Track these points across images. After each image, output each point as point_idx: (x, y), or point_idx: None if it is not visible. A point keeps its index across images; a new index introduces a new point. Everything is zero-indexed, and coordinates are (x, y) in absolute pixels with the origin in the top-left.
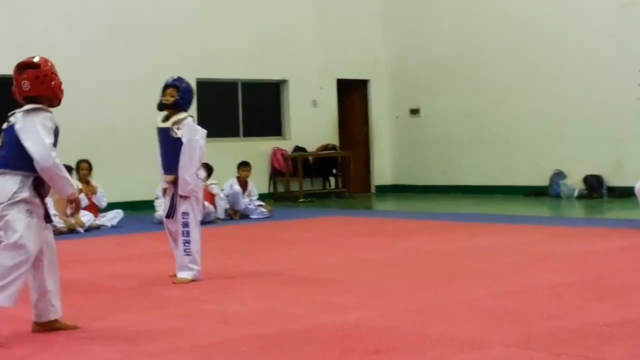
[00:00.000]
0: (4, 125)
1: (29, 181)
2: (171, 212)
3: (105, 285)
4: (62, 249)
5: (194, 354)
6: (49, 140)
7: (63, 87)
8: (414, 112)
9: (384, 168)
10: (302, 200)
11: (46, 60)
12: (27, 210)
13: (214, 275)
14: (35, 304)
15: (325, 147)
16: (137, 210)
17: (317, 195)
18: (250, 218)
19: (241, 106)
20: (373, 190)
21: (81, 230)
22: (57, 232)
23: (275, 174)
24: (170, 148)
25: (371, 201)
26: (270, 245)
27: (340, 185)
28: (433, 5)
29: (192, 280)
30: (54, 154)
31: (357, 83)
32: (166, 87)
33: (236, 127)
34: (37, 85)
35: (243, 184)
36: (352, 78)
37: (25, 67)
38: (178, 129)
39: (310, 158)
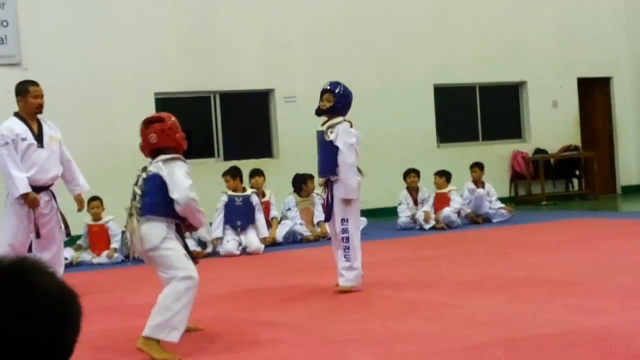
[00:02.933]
0: (143, 175)
1: (173, 226)
2: (329, 215)
3: (355, 291)
4: (310, 256)
5: (449, 357)
6: (189, 182)
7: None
8: None
9: (630, 167)
10: (544, 203)
11: (170, 115)
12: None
13: (462, 279)
14: None
15: (566, 148)
16: (380, 217)
17: (559, 198)
18: (492, 222)
19: (479, 110)
20: (619, 190)
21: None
22: (305, 240)
23: (516, 177)
24: (322, 151)
25: (617, 202)
26: (516, 248)
27: (583, 187)
28: None
29: (353, 287)
30: (193, 193)
31: (599, 81)
32: (323, 92)
33: (475, 131)
34: (164, 137)
35: (479, 184)
36: (594, 76)
37: (151, 122)
38: (331, 132)
39: (552, 160)
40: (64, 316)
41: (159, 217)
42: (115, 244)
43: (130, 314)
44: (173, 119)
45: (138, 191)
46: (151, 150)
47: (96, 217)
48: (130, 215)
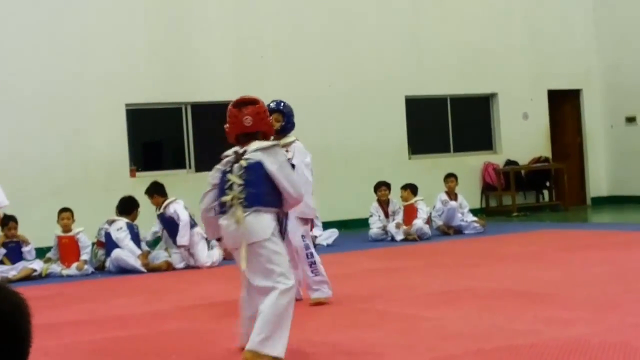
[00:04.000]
0: (243, 163)
1: (276, 217)
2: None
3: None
4: None
5: None
6: (294, 174)
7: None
8: (630, 120)
9: (600, 179)
10: (515, 214)
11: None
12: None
13: (432, 291)
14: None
15: (537, 160)
16: (351, 228)
17: (530, 209)
18: (464, 233)
19: (451, 121)
20: (588, 202)
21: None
22: None
23: (487, 189)
24: None
25: (587, 213)
26: (487, 260)
27: (554, 198)
28: None
29: (328, 298)
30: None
31: (569, 93)
32: (271, 112)
33: (446, 143)
34: (258, 121)
35: (452, 196)
36: (564, 88)
37: (245, 103)
38: (287, 151)
39: (522, 171)
40: (21, 332)
41: (267, 208)
42: (85, 255)
43: (99, 327)
44: (263, 101)
45: (238, 180)
46: (239, 135)
47: (66, 229)
48: (231, 205)
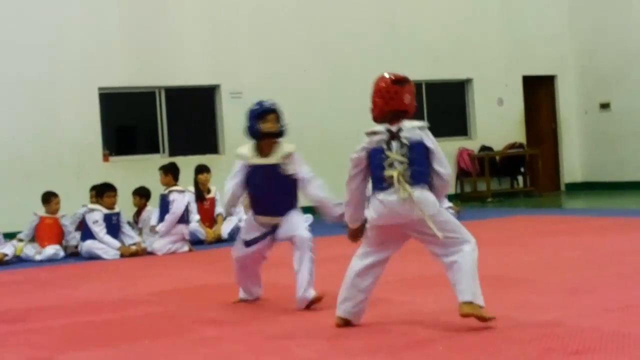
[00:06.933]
0: (404, 141)
1: None
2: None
3: None
4: None
5: (392, 353)
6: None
7: None
8: (604, 106)
9: (574, 165)
10: (490, 200)
11: None
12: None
13: (406, 275)
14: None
15: (512, 146)
16: None
17: (505, 195)
18: None
19: (426, 107)
20: (562, 188)
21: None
22: None
23: (461, 174)
24: (280, 188)
25: (561, 199)
26: None
27: (528, 184)
28: None
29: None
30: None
31: (544, 79)
32: (268, 112)
33: None
34: (413, 100)
35: None
36: (539, 74)
37: (405, 81)
38: (287, 164)
39: (497, 157)
40: None
41: (427, 186)
42: (73, 241)
43: (70, 312)
44: None
45: (400, 158)
46: (391, 112)
47: (54, 213)
48: (398, 182)
